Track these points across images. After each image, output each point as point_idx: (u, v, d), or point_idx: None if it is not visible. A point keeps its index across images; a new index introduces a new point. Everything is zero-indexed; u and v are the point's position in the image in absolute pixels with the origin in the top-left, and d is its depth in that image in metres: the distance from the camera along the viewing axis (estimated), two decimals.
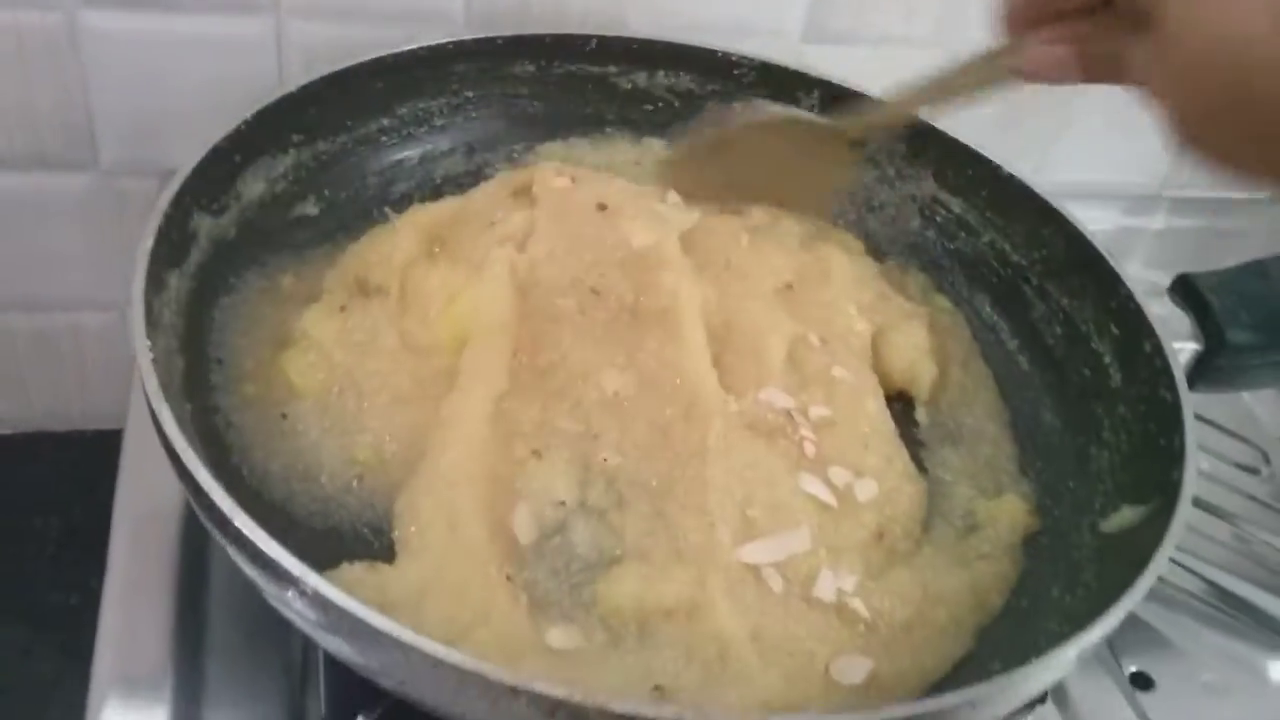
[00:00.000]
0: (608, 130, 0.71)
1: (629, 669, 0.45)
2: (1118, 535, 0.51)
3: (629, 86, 0.70)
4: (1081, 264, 0.60)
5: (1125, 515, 0.52)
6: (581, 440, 0.51)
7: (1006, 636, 0.50)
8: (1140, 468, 0.53)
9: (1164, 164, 0.93)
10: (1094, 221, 0.61)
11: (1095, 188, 0.92)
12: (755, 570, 0.49)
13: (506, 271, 0.57)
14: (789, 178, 0.64)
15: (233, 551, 0.40)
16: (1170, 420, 0.52)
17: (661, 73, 0.70)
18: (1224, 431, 0.74)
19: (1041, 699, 0.54)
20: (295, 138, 0.60)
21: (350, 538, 0.49)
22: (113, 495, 0.59)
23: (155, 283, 0.47)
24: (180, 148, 0.68)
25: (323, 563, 0.39)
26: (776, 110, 0.64)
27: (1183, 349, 0.58)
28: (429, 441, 0.50)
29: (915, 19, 0.79)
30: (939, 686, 0.48)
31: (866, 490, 0.54)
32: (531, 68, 0.68)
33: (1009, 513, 0.55)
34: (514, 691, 0.35)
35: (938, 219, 0.68)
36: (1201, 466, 0.70)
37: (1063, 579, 0.52)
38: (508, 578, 0.46)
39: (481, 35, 0.66)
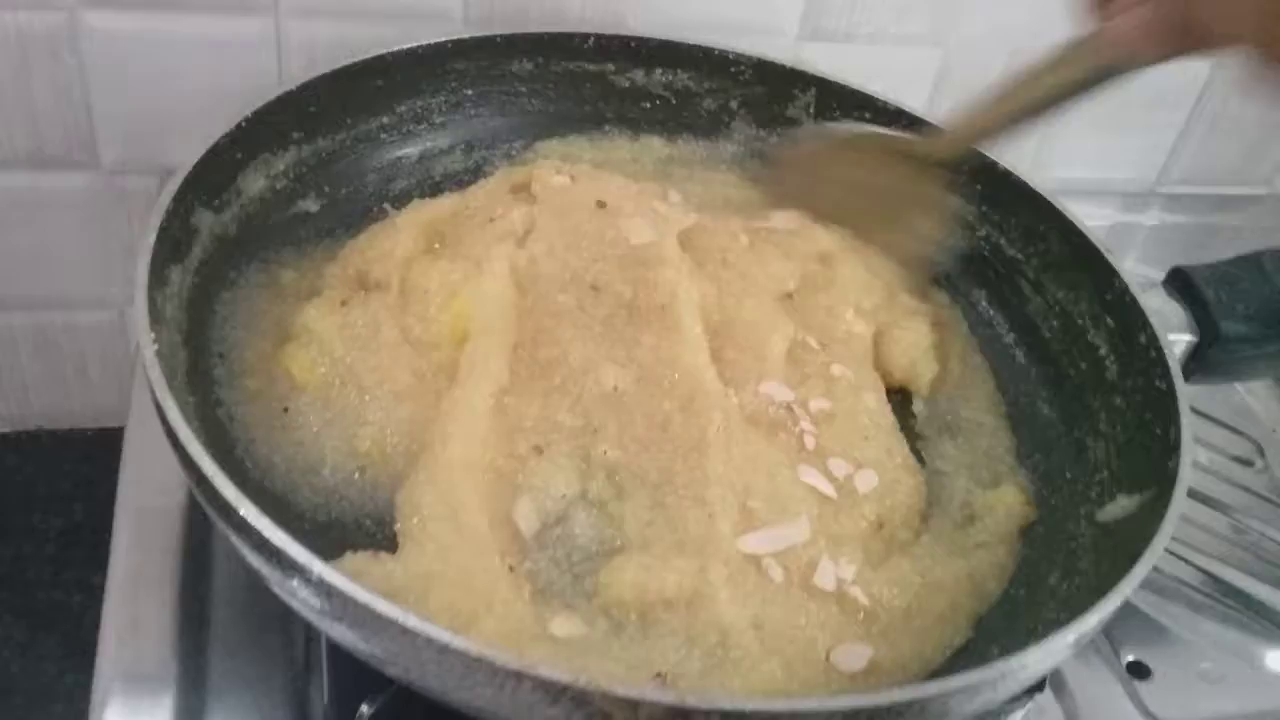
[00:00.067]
0: (606, 128, 0.71)
1: (631, 657, 0.45)
2: (1114, 525, 0.52)
3: (627, 84, 0.71)
4: (1077, 258, 0.61)
5: (1121, 505, 0.52)
6: (582, 434, 0.52)
7: (1004, 624, 0.51)
8: (1136, 458, 0.53)
9: (1157, 161, 0.94)
10: (1088, 218, 0.61)
11: (1089, 184, 0.92)
12: (755, 560, 0.49)
13: (506, 268, 0.57)
14: (877, 204, 0.63)
15: (237, 541, 0.40)
16: (1166, 411, 0.52)
17: (659, 71, 0.71)
18: (1220, 425, 0.75)
19: (1040, 687, 0.55)
20: (295, 135, 0.60)
21: (353, 529, 0.49)
22: (113, 493, 0.59)
23: (158, 278, 0.48)
24: (180, 146, 0.68)
25: (326, 553, 0.39)
26: (863, 129, 0.64)
27: (1178, 341, 0.59)
28: (430, 435, 0.51)
29: (909, 17, 0.80)
30: (938, 674, 0.48)
31: (866, 481, 0.54)
32: (530, 66, 0.69)
33: (1006, 503, 0.56)
34: (519, 677, 0.36)
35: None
36: (1198, 459, 0.71)
37: (1060, 568, 0.52)
38: (510, 568, 0.47)
39: (480, 34, 0.67)
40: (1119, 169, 0.93)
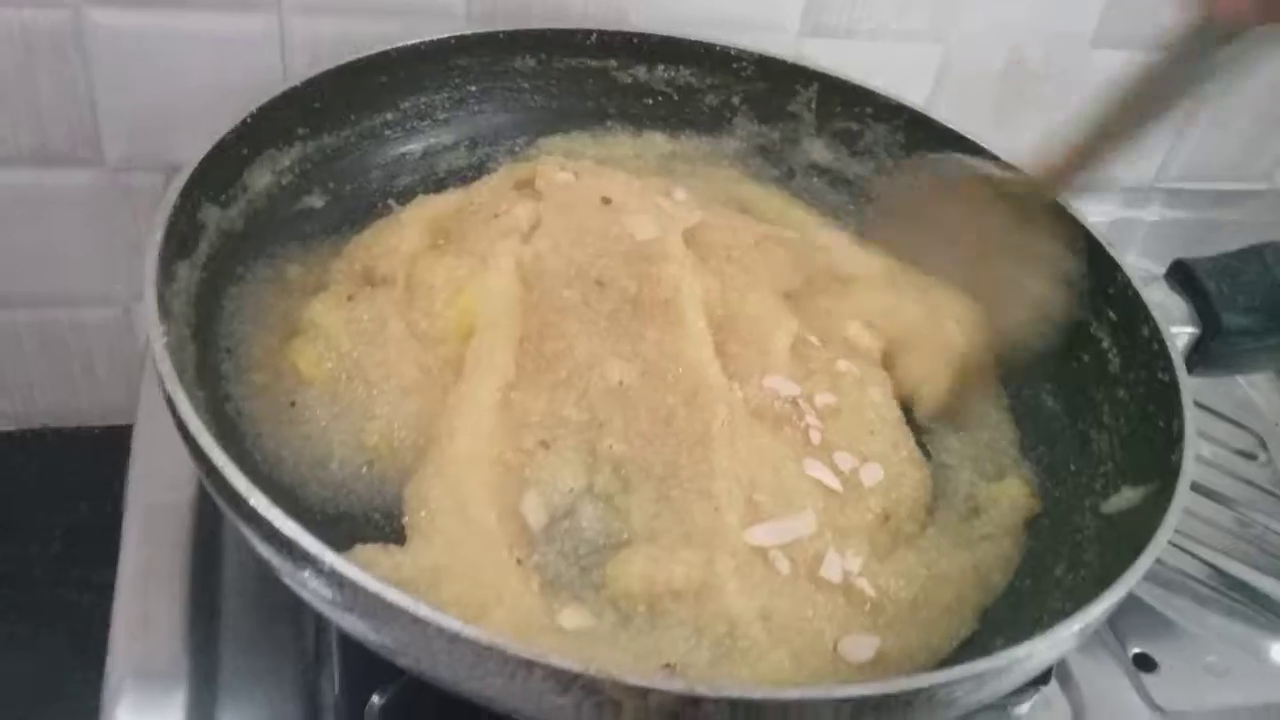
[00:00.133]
0: (608, 124, 0.72)
1: (639, 648, 0.45)
2: (1118, 516, 0.52)
3: (629, 80, 0.71)
4: (1079, 252, 0.61)
5: (1126, 496, 0.52)
6: (587, 428, 0.52)
7: (1010, 616, 0.51)
8: (1140, 450, 0.54)
9: (1157, 156, 0.94)
10: (1089, 213, 0.62)
11: (1089, 180, 0.93)
12: (762, 552, 0.49)
13: (512, 263, 0.57)
14: (978, 254, 0.58)
15: (248, 532, 0.40)
16: (1168, 403, 0.53)
17: (661, 67, 0.71)
18: (1223, 418, 0.75)
19: (1045, 679, 0.55)
20: (300, 131, 0.60)
21: (361, 522, 0.49)
22: (119, 491, 0.59)
23: (166, 273, 0.48)
24: (185, 143, 0.68)
25: (335, 546, 0.39)
26: (964, 163, 0.60)
27: (1180, 333, 0.59)
28: (438, 429, 0.51)
29: (909, 13, 0.80)
30: (945, 664, 0.48)
31: (872, 475, 0.54)
32: (533, 62, 0.69)
33: (1011, 495, 0.56)
34: (530, 666, 0.36)
35: None
36: (1201, 452, 0.71)
37: (1065, 559, 0.52)
38: (519, 561, 0.47)
39: (483, 30, 0.67)
40: (1119, 165, 0.93)
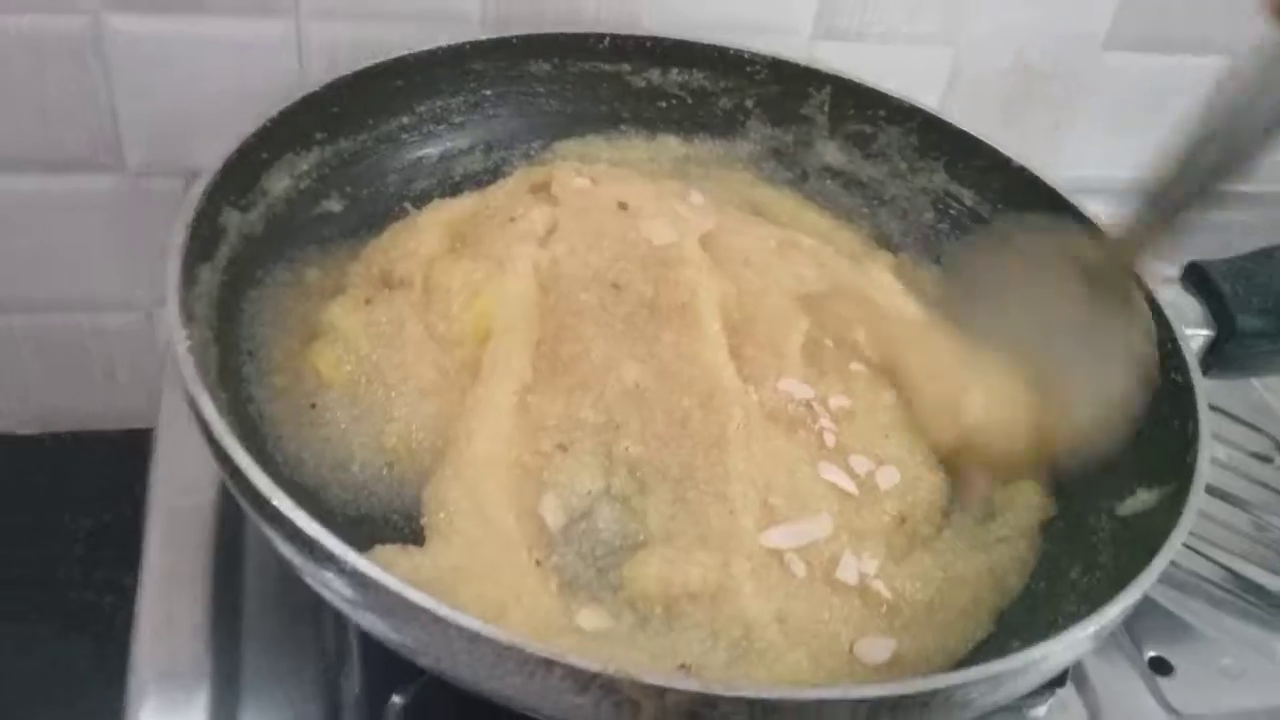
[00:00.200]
0: (622, 128, 0.72)
1: (656, 649, 0.45)
2: (1133, 518, 0.52)
3: (643, 84, 0.71)
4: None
5: (1141, 499, 0.52)
6: (604, 430, 0.52)
7: (1026, 618, 0.51)
8: (1155, 452, 0.53)
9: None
10: (1101, 216, 0.62)
11: (1101, 182, 0.92)
12: (778, 555, 0.50)
13: (529, 267, 0.58)
14: (1057, 337, 0.52)
15: (271, 533, 0.41)
16: (1183, 405, 0.53)
17: (675, 70, 0.71)
18: (1238, 421, 0.75)
19: (1061, 681, 0.55)
20: (319, 135, 0.61)
21: (381, 524, 0.50)
22: (141, 494, 0.60)
23: (188, 276, 0.48)
24: (205, 148, 0.69)
25: (356, 547, 0.39)
26: (1043, 235, 0.54)
27: (1194, 335, 0.59)
28: (456, 431, 0.51)
29: (921, 16, 0.80)
30: (961, 666, 0.48)
31: (888, 478, 0.54)
32: (547, 66, 0.69)
33: (1025, 498, 0.56)
34: (549, 665, 0.36)
35: (950, 211, 0.69)
36: (1217, 455, 0.71)
37: (1080, 562, 0.52)
38: (537, 562, 0.47)
39: (498, 35, 0.67)
40: (1131, 168, 0.93)
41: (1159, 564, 0.45)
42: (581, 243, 0.59)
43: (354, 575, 0.38)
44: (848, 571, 0.50)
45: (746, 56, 0.71)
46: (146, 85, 0.70)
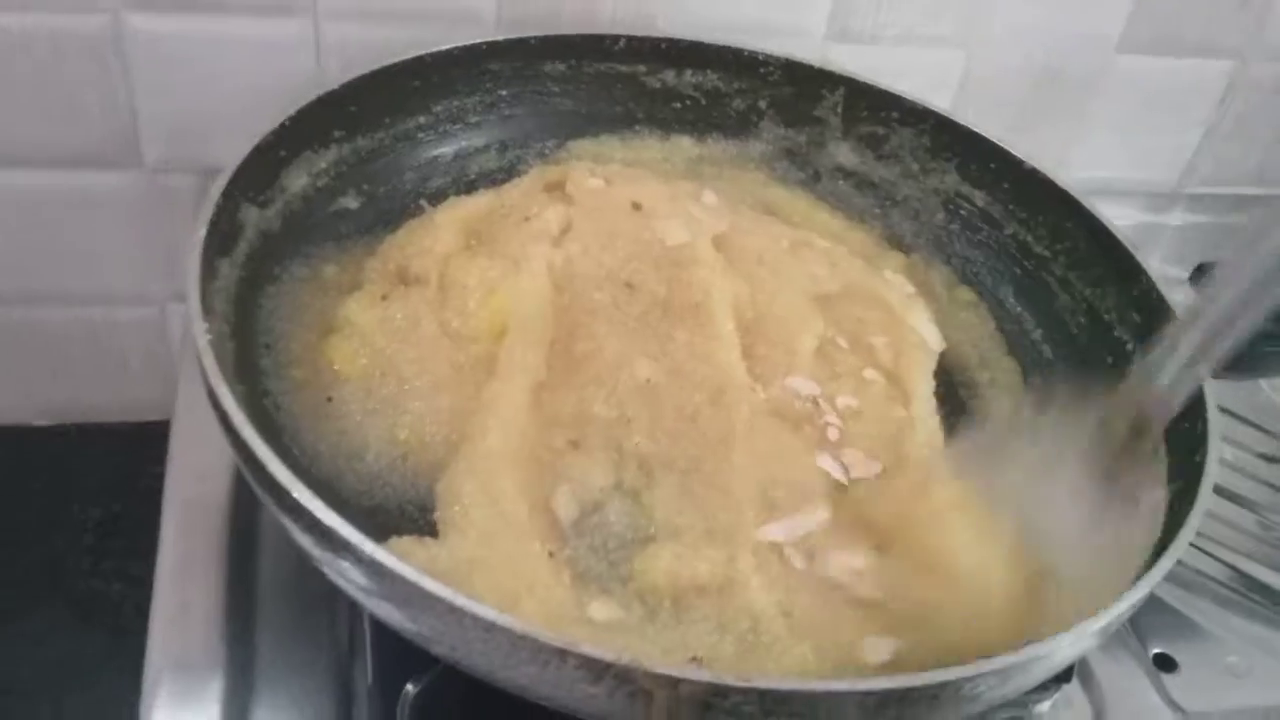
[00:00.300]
0: (636, 128, 0.72)
1: (666, 641, 0.46)
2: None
3: (657, 85, 0.72)
4: (1104, 254, 0.62)
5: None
6: (615, 425, 0.53)
7: None
8: (1164, 451, 0.54)
9: (1181, 162, 0.94)
10: (1112, 218, 0.62)
11: (1113, 184, 0.93)
12: (779, 548, 0.50)
13: (544, 266, 0.59)
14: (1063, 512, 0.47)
15: (289, 523, 0.41)
16: (1192, 405, 0.53)
17: (689, 71, 0.72)
18: (1246, 422, 0.75)
19: (1067, 677, 0.55)
20: (337, 133, 0.62)
21: (396, 515, 0.50)
22: (151, 486, 0.60)
23: (208, 271, 0.49)
24: (222, 145, 0.70)
25: (372, 538, 0.40)
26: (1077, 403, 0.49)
27: None
28: (470, 426, 0.52)
29: (934, 18, 0.80)
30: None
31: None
32: (562, 67, 0.70)
33: None
34: (563, 655, 0.37)
35: (962, 212, 0.69)
36: (1224, 455, 0.71)
37: None
38: (550, 554, 0.48)
39: (514, 35, 0.68)
40: (1143, 170, 0.94)
41: (1166, 562, 0.45)
42: (595, 242, 0.60)
43: (371, 565, 0.38)
44: (836, 567, 0.50)
45: (760, 58, 0.71)
46: (165, 83, 0.70)
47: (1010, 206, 0.67)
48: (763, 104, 0.72)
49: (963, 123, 0.68)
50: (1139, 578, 0.44)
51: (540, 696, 0.40)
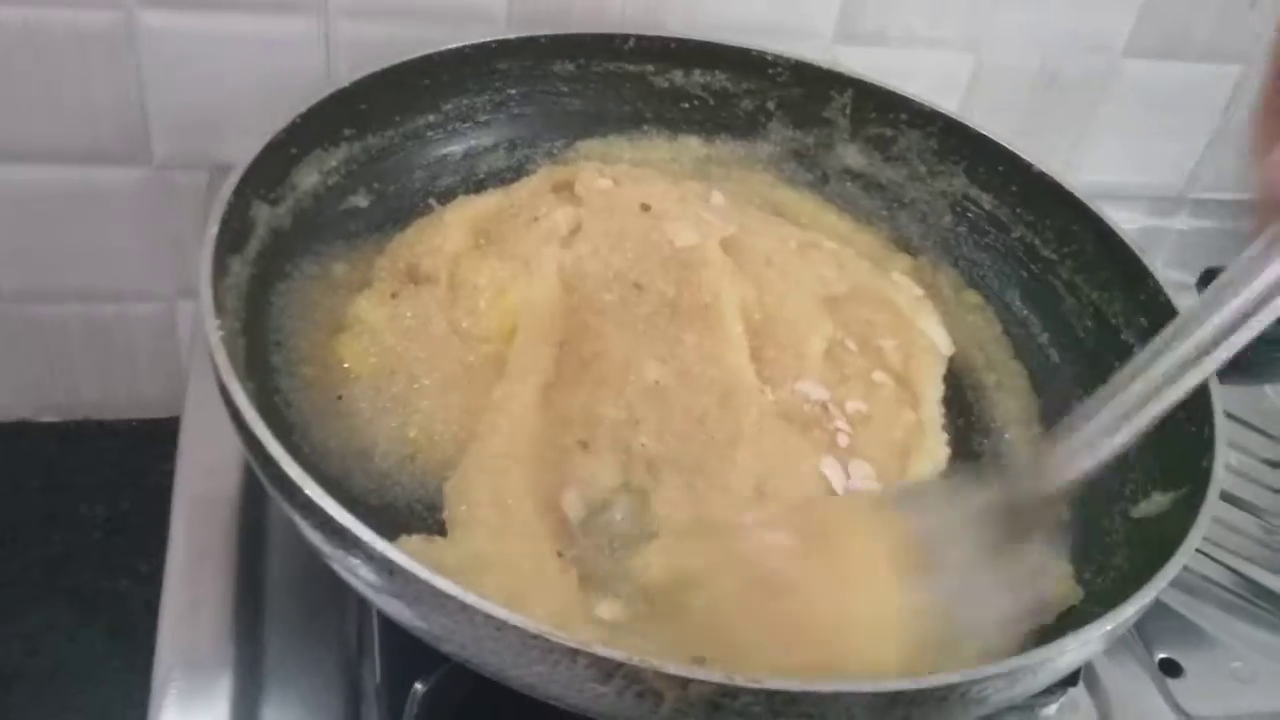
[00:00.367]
0: (645, 128, 0.72)
1: (669, 639, 0.46)
2: (1148, 521, 0.52)
3: (666, 85, 0.72)
4: (1111, 258, 0.62)
5: (1156, 501, 0.53)
6: (624, 426, 0.53)
7: None
8: (1170, 456, 0.54)
9: (1186, 166, 0.94)
10: (1118, 222, 0.62)
11: (1118, 189, 0.93)
12: None
13: (554, 268, 0.59)
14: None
15: (300, 520, 0.42)
16: (1199, 409, 0.53)
17: (697, 71, 0.72)
18: (1251, 428, 0.75)
19: (1074, 681, 0.55)
20: (347, 132, 0.62)
21: (405, 513, 0.50)
22: (156, 482, 0.61)
23: (220, 268, 0.49)
24: (230, 142, 0.70)
25: (381, 535, 0.40)
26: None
27: None
28: (479, 425, 0.52)
29: (942, 20, 0.80)
30: None
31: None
32: (571, 66, 0.70)
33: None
34: (574, 654, 0.37)
35: (969, 215, 0.69)
36: (1230, 461, 0.71)
37: (1094, 563, 0.53)
38: (558, 554, 0.48)
39: (524, 34, 0.68)
40: (1148, 174, 0.94)
41: (1173, 566, 0.45)
42: (604, 243, 0.60)
43: (382, 562, 0.39)
44: None
45: (769, 59, 0.71)
46: (176, 80, 0.71)
47: (1018, 210, 0.67)
48: (771, 105, 0.72)
49: (971, 125, 0.68)
50: (1145, 583, 0.44)
51: (549, 696, 0.40)
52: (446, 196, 0.65)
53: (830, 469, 0.54)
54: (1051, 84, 0.85)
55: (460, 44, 0.66)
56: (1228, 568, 0.66)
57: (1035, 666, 0.41)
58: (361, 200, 0.63)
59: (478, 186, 0.67)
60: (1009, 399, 0.63)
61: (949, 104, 0.73)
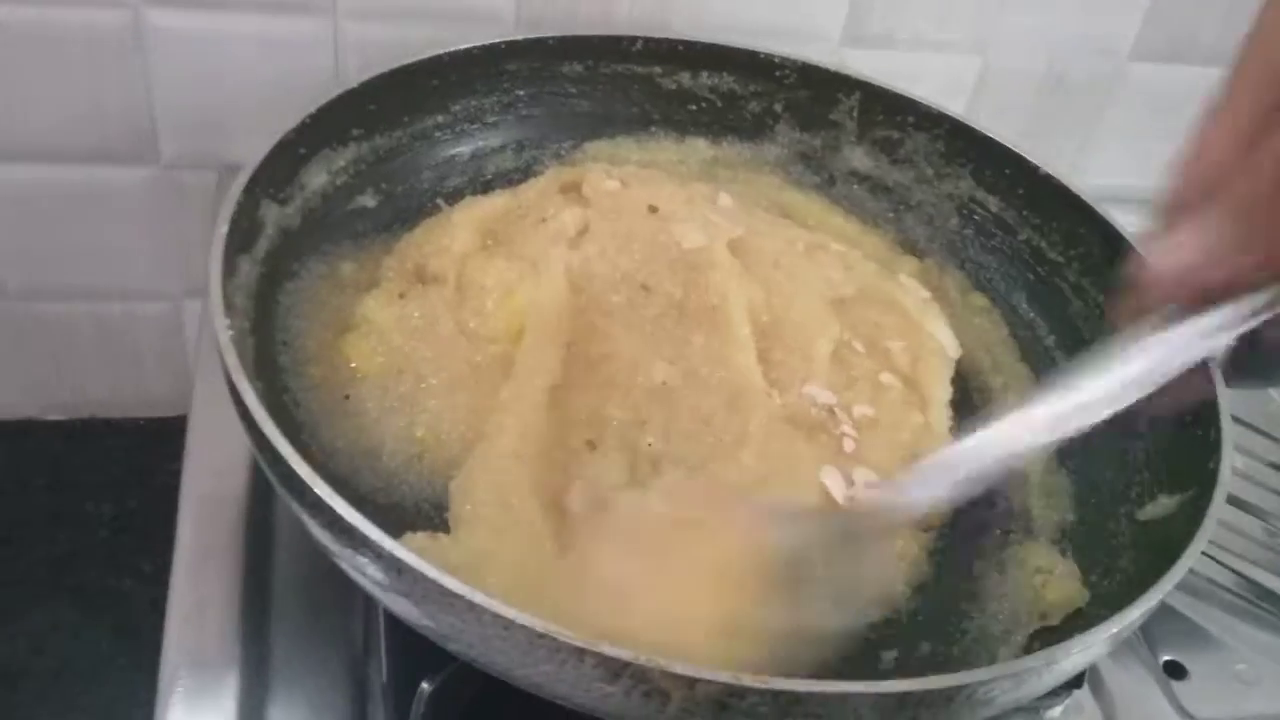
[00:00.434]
0: (652, 129, 0.72)
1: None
2: (1154, 523, 0.52)
3: (673, 86, 0.72)
4: (1119, 261, 0.62)
5: (1162, 504, 0.53)
6: (630, 427, 0.53)
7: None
8: (1176, 459, 0.54)
9: None
10: (1126, 224, 0.62)
11: (1125, 191, 0.93)
12: None
13: (562, 269, 0.59)
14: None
15: (308, 519, 0.42)
16: (1206, 412, 0.53)
17: (705, 73, 0.72)
18: (1256, 431, 0.75)
19: (1079, 683, 0.55)
20: (356, 132, 0.62)
21: (412, 512, 0.50)
22: (163, 481, 0.61)
23: (229, 267, 0.49)
24: (238, 142, 0.70)
25: (388, 534, 0.40)
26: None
27: None
28: (486, 425, 0.52)
29: (949, 23, 0.81)
30: None
31: None
32: (580, 68, 0.70)
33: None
34: (581, 653, 0.37)
35: (976, 217, 0.69)
36: (1235, 464, 0.71)
37: (1100, 565, 0.53)
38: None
39: (532, 36, 0.68)
40: (1153, 178, 0.94)
41: (1179, 569, 0.45)
42: (612, 245, 0.60)
43: (390, 561, 0.39)
44: None
45: (776, 61, 0.71)
46: (183, 80, 0.71)
47: (1024, 212, 0.67)
48: (778, 107, 0.72)
49: (978, 128, 0.68)
50: (1150, 586, 0.44)
51: (556, 695, 0.40)
52: (454, 197, 0.66)
53: (830, 478, 0.54)
54: (1058, 87, 0.85)
55: (469, 45, 0.66)
56: (1233, 570, 0.66)
57: (1041, 668, 0.41)
58: (370, 200, 0.63)
59: (485, 187, 0.68)
60: (1016, 402, 0.63)
61: (956, 106, 0.73)
